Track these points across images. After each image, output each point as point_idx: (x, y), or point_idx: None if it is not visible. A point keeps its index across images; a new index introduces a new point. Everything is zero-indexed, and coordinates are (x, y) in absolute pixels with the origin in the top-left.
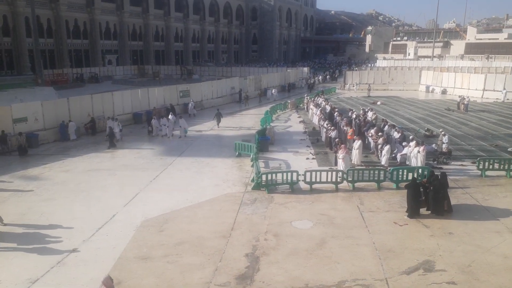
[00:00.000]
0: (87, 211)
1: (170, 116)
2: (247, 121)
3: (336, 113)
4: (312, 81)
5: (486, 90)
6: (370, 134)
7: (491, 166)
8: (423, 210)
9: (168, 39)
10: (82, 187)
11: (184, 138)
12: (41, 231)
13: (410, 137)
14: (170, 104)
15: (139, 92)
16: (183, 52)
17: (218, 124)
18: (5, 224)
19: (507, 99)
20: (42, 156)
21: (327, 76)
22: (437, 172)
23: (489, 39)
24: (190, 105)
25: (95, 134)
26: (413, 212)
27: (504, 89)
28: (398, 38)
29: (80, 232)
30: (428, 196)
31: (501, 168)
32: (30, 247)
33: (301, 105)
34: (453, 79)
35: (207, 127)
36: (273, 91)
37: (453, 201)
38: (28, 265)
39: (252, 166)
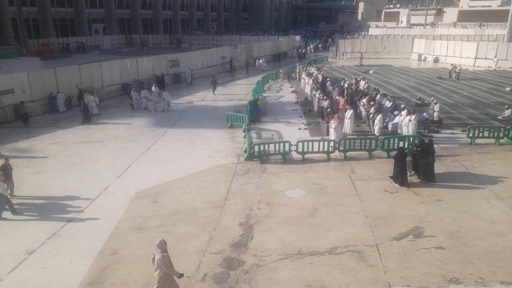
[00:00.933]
0: (80, 183)
1: (153, 88)
2: (239, 91)
3: (328, 82)
4: (303, 51)
5: (478, 58)
6: (362, 104)
7: (480, 134)
8: (414, 179)
9: (156, 7)
10: (74, 159)
11: (167, 112)
12: (35, 203)
13: (402, 106)
14: (162, 73)
15: (128, 62)
16: (171, 20)
17: (213, 92)
18: (14, 196)
19: (499, 67)
20: (31, 129)
21: (319, 45)
22: (426, 140)
23: (482, 6)
24: (186, 72)
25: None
26: (402, 181)
27: (496, 57)
28: (391, 6)
29: (74, 204)
30: (419, 164)
31: (491, 136)
32: (25, 219)
33: (293, 75)
34: (445, 47)
35: (198, 97)
36: (261, 60)
37: (442, 169)
38: (24, 237)
39: (245, 137)
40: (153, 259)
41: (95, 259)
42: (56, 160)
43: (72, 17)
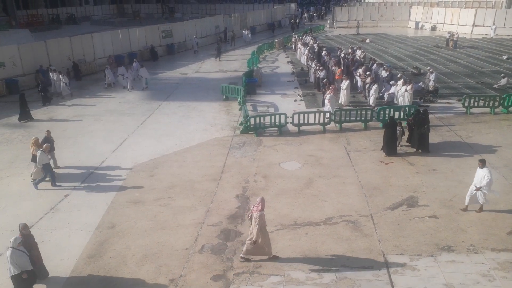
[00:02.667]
0: (75, 158)
1: (134, 64)
2: (233, 62)
3: (324, 52)
4: (296, 20)
5: (475, 26)
6: (358, 73)
7: (476, 104)
8: (409, 149)
9: None
10: (69, 134)
11: (146, 90)
12: (31, 179)
13: (398, 75)
14: (151, 45)
15: (120, 33)
16: None
17: (218, 58)
18: (58, 167)
19: (496, 34)
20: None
21: (314, 14)
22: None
23: None
24: (193, 40)
25: (80, 79)
26: (390, 150)
27: (494, 24)
28: None
29: (70, 178)
30: (414, 134)
31: (486, 105)
32: (21, 194)
33: (289, 44)
34: (443, 15)
35: (192, 69)
36: (247, 32)
37: (437, 139)
38: (21, 211)
39: (240, 109)
40: (251, 217)
41: (94, 233)
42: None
43: None
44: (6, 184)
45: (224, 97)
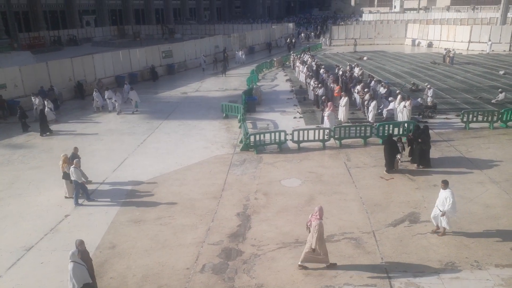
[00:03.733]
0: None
1: (125, 86)
2: (233, 81)
3: (322, 70)
4: (292, 40)
5: (471, 42)
6: (356, 90)
7: (475, 119)
8: (410, 165)
9: None
10: (69, 153)
11: (136, 113)
12: (31, 199)
13: (397, 91)
14: (152, 65)
15: (120, 54)
16: (163, 10)
17: (224, 74)
18: (91, 182)
19: (492, 50)
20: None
21: (312, 33)
22: (421, 126)
23: None
24: (201, 59)
25: (84, 98)
26: (388, 167)
27: (490, 40)
28: None
29: (71, 198)
30: (415, 150)
31: (485, 120)
32: (22, 215)
33: (287, 63)
34: (439, 32)
35: (192, 88)
36: (240, 53)
37: (437, 154)
38: (21, 233)
39: (240, 127)
40: (309, 225)
41: (94, 253)
42: (52, 155)
43: (63, 9)
44: (6, 205)
45: (224, 115)
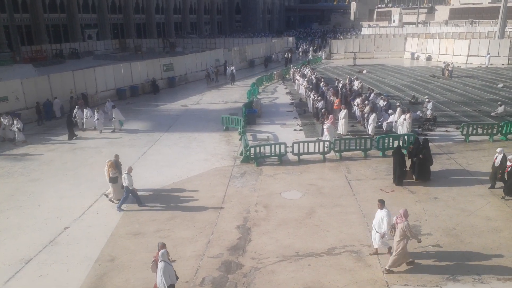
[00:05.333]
0: (76, 190)
1: (107, 103)
2: (233, 94)
3: (322, 83)
4: (289, 55)
5: (470, 56)
6: (356, 103)
7: (474, 131)
8: (410, 177)
9: (149, 11)
10: (69, 166)
11: (119, 132)
12: (31, 212)
13: (396, 104)
14: (153, 78)
15: (122, 67)
16: (165, 24)
17: (233, 83)
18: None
19: (491, 64)
20: (26, 136)
21: (310, 48)
22: (421, 139)
23: (473, 4)
24: (210, 69)
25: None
26: (398, 179)
27: (488, 54)
28: (383, 5)
29: (70, 211)
30: (415, 163)
31: (484, 132)
32: (21, 227)
33: (287, 76)
34: (437, 46)
35: (193, 101)
36: (232, 68)
37: (438, 167)
38: (20, 245)
39: (240, 139)
40: (394, 228)
41: (93, 266)
42: (52, 167)
43: (65, 23)
44: (6, 217)
45: (225, 127)
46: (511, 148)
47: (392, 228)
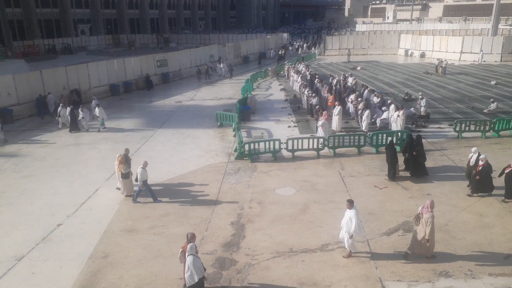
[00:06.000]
0: (69, 186)
1: (93, 102)
2: (228, 90)
3: (316, 79)
4: (282, 52)
5: (463, 53)
6: (350, 100)
7: (467, 128)
8: (404, 173)
9: (143, 6)
10: (63, 162)
11: (103, 131)
12: (23, 208)
13: (388, 101)
14: (146, 74)
15: (115, 62)
16: (158, 19)
17: (231, 77)
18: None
19: (484, 60)
20: (18, 132)
21: (304, 45)
22: (414, 136)
23: (467, 1)
24: (208, 64)
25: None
26: (392, 174)
27: (481, 50)
28: (377, 2)
29: (63, 207)
30: (408, 159)
31: (477, 129)
32: (13, 224)
33: (282, 72)
34: (431, 42)
35: (187, 97)
36: (222, 65)
37: (431, 163)
38: (12, 242)
39: (235, 136)
40: (417, 218)
41: (86, 263)
42: (45, 164)
43: (58, 18)
44: None
45: (219, 124)
46: (503, 145)
47: (417, 218)
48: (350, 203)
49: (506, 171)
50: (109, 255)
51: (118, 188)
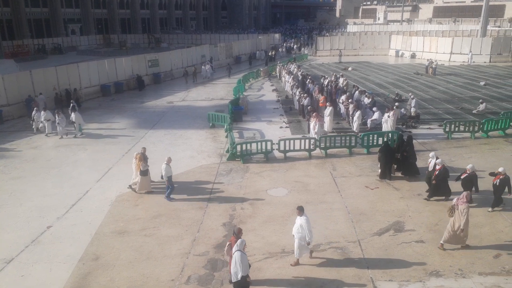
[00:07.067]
0: (59, 188)
1: (72, 105)
2: (219, 90)
3: (308, 80)
4: (272, 53)
5: (453, 54)
6: (341, 101)
7: (457, 129)
8: (397, 174)
9: (134, 6)
10: (53, 164)
11: (80, 137)
12: (12, 210)
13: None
14: (137, 74)
15: (106, 62)
16: (150, 19)
17: (229, 76)
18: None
19: (473, 61)
20: (7, 133)
21: (294, 46)
22: (404, 136)
23: (456, 2)
24: (208, 63)
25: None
26: (383, 174)
27: (470, 51)
28: (368, 3)
29: (53, 209)
30: (399, 160)
31: (466, 130)
32: (2, 226)
33: (274, 73)
34: (421, 43)
35: (178, 98)
36: (207, 67)
37: (422, 163)
38: (1, 244)
39: (227, 136)
40: (452, 209)
41: (76, 265)
42: (34, 165)
43: (47, 18)
44: None
45: (211, 124)
46: (492, 145)
47: (451, 209)
48: (300, 210)
49: (462, 176)
50: (100, 257)
51: (130, 187)
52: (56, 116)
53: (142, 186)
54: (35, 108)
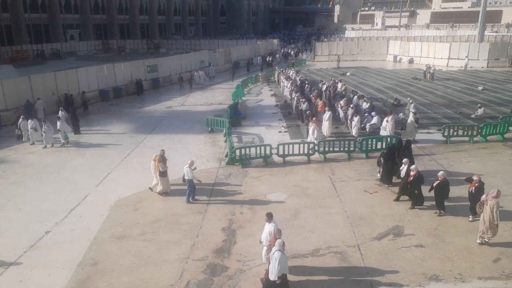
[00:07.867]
0: (58, 193)
1: (60, 113)
2: (218, 95)
3: (306, 85)
4: (269, 59)
5: (451, 59)
6: (339, 105)
7: (455, 133)
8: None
9: (133, 12)
10: (51, 169)
11: (66, 146)
12: (11, 215)
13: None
14: (136, 79)
15: (105, 68)
16: (149, 25)
17: (232, 79)
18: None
19: (471, 66)
20: (6, 138)
21: (291, 52)
22: (402, 141)
23: (454, 8)
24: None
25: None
26: (387, 178)
27: (466, 57)
28: (366, 8)
29: (52, 214)
30: (398, 165)
31: (465, 134)
32: (0, 231)
33: (272, 78)
34: (419, 49)
35: (177, 102)
36: (200, 73)
37: (420, 168)
38: (0, 250)
39: (225, 141)
40: (482, 204)
41: (75, 270)
42: (33, 170)
43: (47, 23)
44: None
45: (210, 129)
46: (490, 149)
47: (481, 204)
48: (269, 217)
49: (435, 184)
50: (99, 262)
51: (151, 189)
52: (43, 125)
53: (164, 187)
54: (22, 117)
